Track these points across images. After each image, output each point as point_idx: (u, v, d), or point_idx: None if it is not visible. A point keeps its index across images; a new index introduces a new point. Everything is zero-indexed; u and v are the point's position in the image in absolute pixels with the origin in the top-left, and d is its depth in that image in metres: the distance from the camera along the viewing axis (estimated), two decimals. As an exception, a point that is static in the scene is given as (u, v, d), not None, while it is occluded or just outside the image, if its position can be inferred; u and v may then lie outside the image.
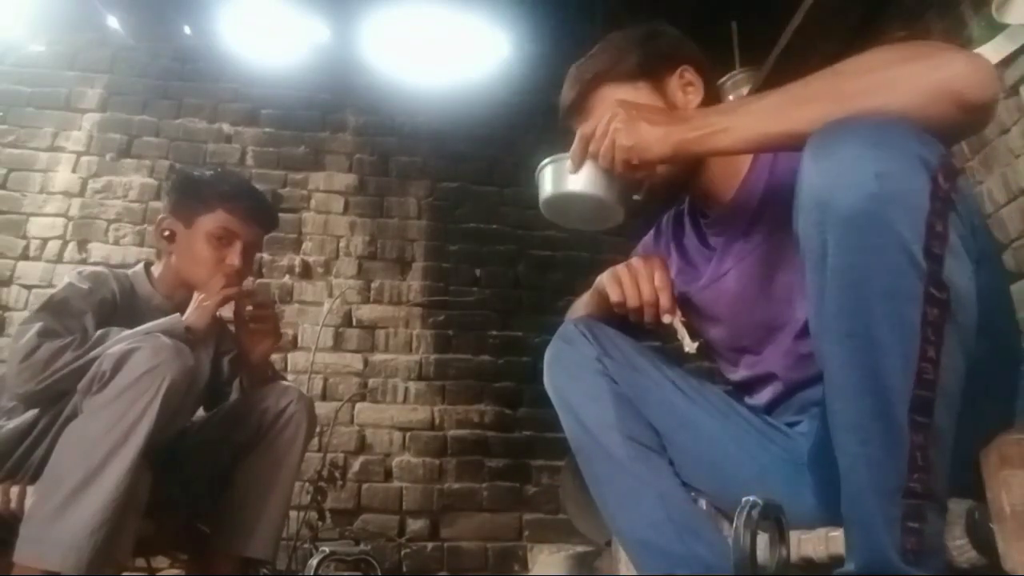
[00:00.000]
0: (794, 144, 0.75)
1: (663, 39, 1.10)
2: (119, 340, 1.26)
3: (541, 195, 1.00)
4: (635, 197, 1.02)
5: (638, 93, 1.04)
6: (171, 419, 1.25)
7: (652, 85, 1.06)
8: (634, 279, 1.04)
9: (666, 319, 1.02)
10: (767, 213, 1.01)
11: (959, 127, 0.71)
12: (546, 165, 0.99)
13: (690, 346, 1.00)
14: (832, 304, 0.66)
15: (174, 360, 1.21)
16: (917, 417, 0.62)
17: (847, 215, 0.64)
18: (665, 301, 1.02)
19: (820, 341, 0.69)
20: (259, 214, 1.57)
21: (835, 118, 0.70)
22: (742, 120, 0.81)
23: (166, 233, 1.54)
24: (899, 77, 0.71)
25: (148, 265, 1.58)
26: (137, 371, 1.17)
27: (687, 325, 1.03)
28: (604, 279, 1.09)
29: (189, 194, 1.53)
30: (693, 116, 0.86)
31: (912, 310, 0.62)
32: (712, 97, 1.07)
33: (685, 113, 0.87)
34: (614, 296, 1.04)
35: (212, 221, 1.50)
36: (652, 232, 1.25)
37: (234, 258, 1.50)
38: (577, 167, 0.94)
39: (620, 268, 1.07)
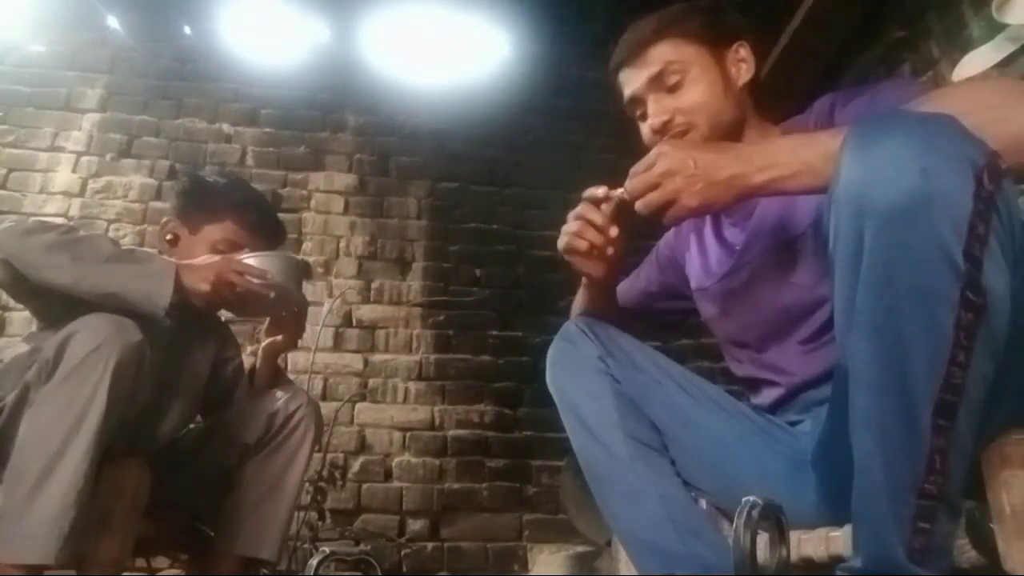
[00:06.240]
0: None
1: (726, 13, 1.12)
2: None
3: None
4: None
5: (697, 53, 1.05)
6: (128, 398, 1.19)
7: (711, 51, 1.07)
8: (577, 219, 0.99)
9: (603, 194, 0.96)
10: (792, 215, 1.01)
11: None
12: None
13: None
14: (863, 300, 0.65)
15: (117, 337, 1.15)
16: (940, 421, 0.62)
17: (887, 209, 0.62)
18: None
19: (847, 336, 0.68)
20: (267, 227, 1.56)
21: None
22: (816, 163, 0.76)
23: (169, 237, 1.52)
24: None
25: None
26: (80, 354, 1.13)
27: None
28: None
29: (199, 201, 1.52)
30: (755, 154, 0.80)
31: (946, 312, 0.61)
32: (759, 77, 1.08)
33: (746, 150, 0.82)
34: (560, 245, 1.01)
35: (219, 231, 1.49)
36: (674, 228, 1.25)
37: None
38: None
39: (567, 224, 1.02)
